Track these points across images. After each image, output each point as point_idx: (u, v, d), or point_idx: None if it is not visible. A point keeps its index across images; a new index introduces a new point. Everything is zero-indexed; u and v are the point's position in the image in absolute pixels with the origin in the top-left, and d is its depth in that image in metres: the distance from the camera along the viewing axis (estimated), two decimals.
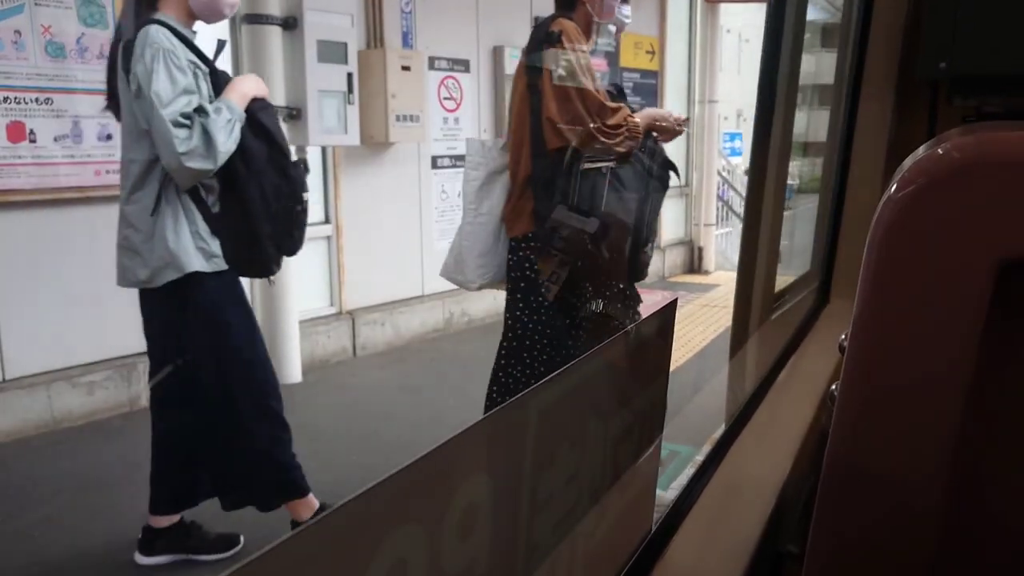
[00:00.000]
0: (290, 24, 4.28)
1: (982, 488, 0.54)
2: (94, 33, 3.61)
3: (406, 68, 4.90)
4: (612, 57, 6.77)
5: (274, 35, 4.19)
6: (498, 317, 5.84)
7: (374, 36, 4.91)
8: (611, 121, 2.44)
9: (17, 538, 2.66)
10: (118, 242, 2.22)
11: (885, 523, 0.54)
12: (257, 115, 2.18)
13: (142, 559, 2.44)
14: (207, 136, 2.05)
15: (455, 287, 2.75)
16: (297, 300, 4.42)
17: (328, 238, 4.84)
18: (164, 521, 2.43)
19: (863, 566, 0.56)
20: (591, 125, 2.40)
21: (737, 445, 1.09)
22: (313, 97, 4.35)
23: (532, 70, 2.47)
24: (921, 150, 0.52)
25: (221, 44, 2.30)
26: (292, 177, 2.24)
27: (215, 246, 2.19)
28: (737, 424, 1.16)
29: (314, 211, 4.61)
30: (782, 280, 1.90)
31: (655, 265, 6.97)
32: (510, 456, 0.48)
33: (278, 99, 4.14)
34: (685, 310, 6.08)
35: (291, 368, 4.36)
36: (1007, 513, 0.55)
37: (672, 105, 7.76)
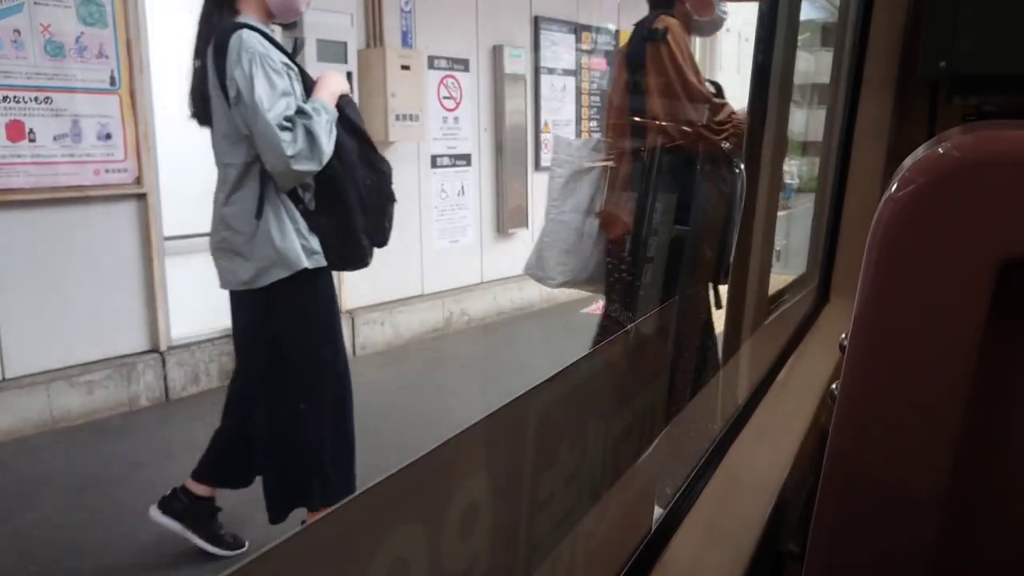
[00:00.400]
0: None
1: (983, 487, 0.54)
2: (93, 32, 3.60)
3: (405, 67, 4.90)
4: (611, 56, 6.76)
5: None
6: (497, 317, 5.88)
7: (373, 35, 4.91)
8: (717, 118, 2.39)
9: (16, 537, 2.66)
10: (214, 245, 2.23)
11: (886, 522, 0.54)
12: (345, 111, 2.20)
13: (156, 514, 2.42)
14: (311, 138, 2.07)
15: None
16: None
17: None
18: (203, 490, 2.42)
19: (863, 565, 0.56)
20: (698, 122, 2.35)
21: (737, 445, 1.09)
22: None
23: (635, 68, 2.42)
24: (921, 150, 0.52)
25: (300, 42, 2.31)
26: (381, 171, 2.27)
27: (315, 242, 2.21)
28: (737, 424, 1.16)
29: None
30: (781, 280, 1.90)
31: None
32: (510, 456, 0.48)
33: None
34: None
35: None
36: (1009, 512, 0.55)
37: None
